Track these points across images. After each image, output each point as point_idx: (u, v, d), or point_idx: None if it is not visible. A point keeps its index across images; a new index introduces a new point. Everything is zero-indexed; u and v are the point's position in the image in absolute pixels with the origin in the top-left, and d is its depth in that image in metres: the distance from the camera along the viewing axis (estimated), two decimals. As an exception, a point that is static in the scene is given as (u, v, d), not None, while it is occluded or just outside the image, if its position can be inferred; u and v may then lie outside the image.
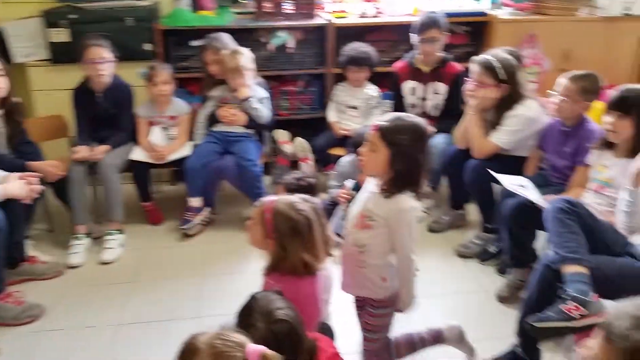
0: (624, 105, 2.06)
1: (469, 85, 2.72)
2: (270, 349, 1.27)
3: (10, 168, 2.59)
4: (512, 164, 2.69)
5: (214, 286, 2.57)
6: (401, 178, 1.71)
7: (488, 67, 2.59)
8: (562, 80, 2.42)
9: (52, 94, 3.32)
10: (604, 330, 0.86)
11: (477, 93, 2.66)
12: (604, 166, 2.22)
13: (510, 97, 2.62)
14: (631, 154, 2.04)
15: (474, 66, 2.67)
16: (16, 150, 2.73)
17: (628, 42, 3.63)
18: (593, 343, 0.88)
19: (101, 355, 2.15)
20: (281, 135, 3.54)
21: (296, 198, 1.79)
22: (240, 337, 1.21)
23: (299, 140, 3.50)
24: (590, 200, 2.23)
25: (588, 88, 2.36)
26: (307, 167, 3.43)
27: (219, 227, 3.12)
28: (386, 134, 1.69)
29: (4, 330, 2.27)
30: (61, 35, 3.31)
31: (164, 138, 3.11)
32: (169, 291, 2.53)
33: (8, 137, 2.71)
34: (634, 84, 2.16)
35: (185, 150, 3.08)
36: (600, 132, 2.28)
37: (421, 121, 1.77)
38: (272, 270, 1.73)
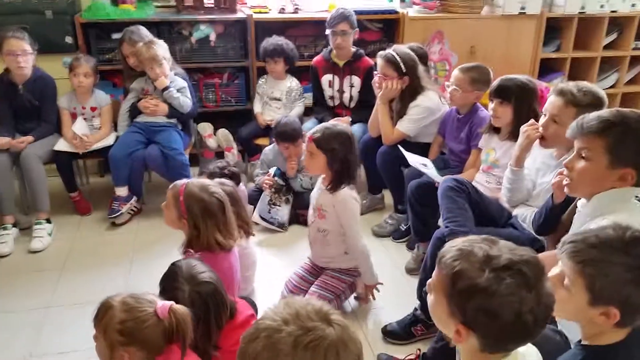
0: (503, 93, 2.35)
1: (375, 78, 2.96)
2: (196, 309, 1.45)
3: None
4: (417, 149, 2.94)
5: (142, 271, 2.66)
6: (339, 175, 2.17)
7: (391, 61, 2.84)
8: (455, 72, 2.70)
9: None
10: (438, 262, 1.08)
11: (382, 85, 2.90)
12: (492, 149, 2.51)
13: (412, 89, 2.88)
14: (513, 137, 2.32)
15: (379, 60, 2.91)
16: None
17: (525, 38, 3.99)
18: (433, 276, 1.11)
19: (27, 339, 2.21)
20: (205, 128, 3.65)
21: (209, 181, 1.97)
22: (150, 296, 1.38)
23: (222, 131, 3.64)
24: (480, 179, 2.52)
25: (476, 78, 2.64)
26: (231, 156, 3.57)
27: (148, 215, 3.20)
28: (320, 142, 2.14)
29: None
30: (-24, 27, 3.27)
31: (87, 129, 3.16)
32: (97, 277, 2.61)
33: None
34: (514, 74, 2.44)
35: (108, 140, 3.15)
36: (489, 118, 2.58)
37: (346, 127, 2.24)
38: (188, 247, 1.89)
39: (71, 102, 3.17)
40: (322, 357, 0.88)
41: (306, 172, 3.12)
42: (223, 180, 2.29)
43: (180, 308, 1.38)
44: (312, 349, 0.88)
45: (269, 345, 0.89)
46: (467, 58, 3.76)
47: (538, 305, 0.98)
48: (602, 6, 4.00)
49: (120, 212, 3.05)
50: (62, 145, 3.06)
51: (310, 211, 2.38)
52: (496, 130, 2.51)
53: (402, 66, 2.83)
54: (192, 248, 1.87)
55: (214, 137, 3.64)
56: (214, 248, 1.85)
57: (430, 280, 1.12)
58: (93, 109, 3.20)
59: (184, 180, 1.97)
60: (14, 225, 2.90)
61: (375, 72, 3.02)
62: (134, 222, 3.14)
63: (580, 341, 1.20)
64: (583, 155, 1.57)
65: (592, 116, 1.55)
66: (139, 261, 2.76)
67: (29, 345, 2.17)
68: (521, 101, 2.32)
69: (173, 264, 1.63)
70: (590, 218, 1.54)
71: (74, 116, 3.16)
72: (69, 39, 3.39)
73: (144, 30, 3.22)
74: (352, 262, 2.34)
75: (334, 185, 2.19)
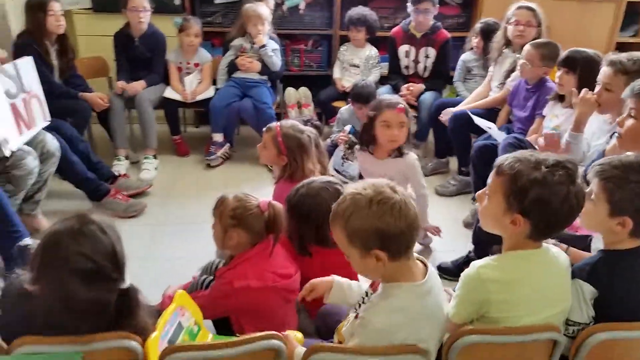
0: (570, 63, 2.55)
1: (517, 27, 3.13)
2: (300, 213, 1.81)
3: (65, 97, 3.11)
4: (488, 116, 3.18)
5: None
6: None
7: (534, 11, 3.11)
8: (526, 47, 2.91)
9: (93, 39, 3.82)
10: (495, 169, 1.38)
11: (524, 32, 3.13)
12: (554, 115, 2.72)
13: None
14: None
15: (522, 11, 3.13)
16: (68, 83, 3.24)
17: (602, 21, 4.04)
18: (483, 190, 1.41)
19: (141, 247, 2.66)
20: (290, 97, 4.01)
21: (295, 122, 2.33)
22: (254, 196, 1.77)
23: (303, 89, 4.02)
24: (541, 142, 2.75)
25: (546, 54, 2.83)
26: (307, 112, 3.94)
27: (237, 161, 3.64)
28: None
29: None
30: (102, -14, 3.78)
31: (195, 84, 3.62)
32: (196, 204, 3.04)
33: (61, 71, 3.21)
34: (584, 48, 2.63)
35: (209, 92, 3.59)
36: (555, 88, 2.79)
37: None
38: (283, 178, 2.26)
39: (178, 57, 3.63)
40: (389, 210, 1.22)
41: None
42: (308, 127, 2.65)
43: (277, 204, 1.76)
44: (382, 203, 1.22)
45: (352, 202, 1.25)
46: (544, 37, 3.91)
47: (577, 193, 1.28)
48: (686, -9, 4.00)
49: (216, 155, 3.49)
50: (170, 93, 3.54)
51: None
52: (561, 98, 2.71)
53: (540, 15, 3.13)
54: (291, 178, 2.21)
55: (296, 109, 4.01)
56: (307, 176, 2.21)
57: (479, 191, 1.42)
58: (196, 65, 3.65)
59: (275, 123, 2.33)
60: (126, 157, 3.40)
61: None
62: (225, 165, 3.58)
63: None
64: (632, 115, 1.80)
65: (642, 81, 1.78)
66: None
67: (143, 250, 2.63)
68: (586, 72, 2.50)
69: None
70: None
71: (179, 70, 3.63)
72: (177, 1, 3.84)
73: None
74: None
75: (397, 152, 2.48)
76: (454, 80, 3.76)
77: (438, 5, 3.63)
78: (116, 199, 2.87)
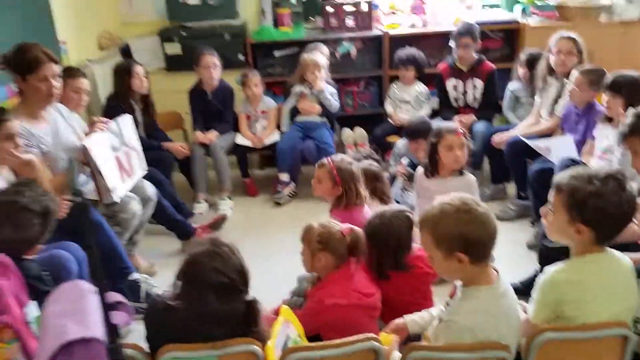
0: (615, 87, 2.71)
1: (559, 56, 3.32)
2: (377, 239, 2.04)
3: (150, 147, 3.49)
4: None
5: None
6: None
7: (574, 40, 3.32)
8: (574, 73, 3.09)
9: (167, 95, 4.21)
10: (555, 188, 1.57)
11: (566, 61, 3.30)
12: (605, 136, 2.87)
13: None
14: (625, 126, 2.69)
15: (563, 41, 3.32)
16: (151, 137, 3.63)
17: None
18: (547, 207, 1.61)
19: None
20: (348, 138, 4.27)
21: (343, 155, 2.60)
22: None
23: (359, 129, 4.28)
24: (595, 164, 2.89)
25: (594, 80, 3.01)
26: (365, 151, 4.18)
27: (301, 199, 3.89)
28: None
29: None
30: (174, 48, 4.22)
31: (259, 128, 3.96)
32: (269, 241, 3.32)
33: (145, 126, 3.61)
34: (626, 70, 2.79)
35: (274, 136, 3.91)
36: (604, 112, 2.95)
37: None
38: (337, 207, 2.51)
39: (246, 107, 4.00)
40: (474, 219, 1.43)
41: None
42: (371, 162, 2.91)
43: (357, 229, 1.99)
44: (468, 212, 1.44)
45: (440, 210, 1.47)
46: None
47: (629, 199, 1.47)
48: None
49: (283, 194, 3.78)
50: (241, 140, 3.89)
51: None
52: (609, 120, 2.86)
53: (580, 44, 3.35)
54: (347, 205, 2.48)
55: (355, 148, 4.27)
56: (360, 203, 2.47)
57: (543, 208, 1.61)
58: (263, 112, 4.00)
59: (326, 159, 2.60)
60: (205, 200, 3.74)
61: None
62: (291, 203, 3.86)
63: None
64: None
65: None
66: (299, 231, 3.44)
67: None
68: (631, 94, 2.66)
69: None
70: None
71: (248, 118, 3.98)
72: (241, 57, 4.23)
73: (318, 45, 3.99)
74: None
75: (461, 171, 2.74)
76: (503, 109, 3.96)
77: (480, 41, 3.86)
78: (202, 238, 3.16)
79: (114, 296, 1.05)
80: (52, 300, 1.04)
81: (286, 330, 1.68)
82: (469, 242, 1.43)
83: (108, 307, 1.02)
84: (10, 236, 1.74)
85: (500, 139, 3.50)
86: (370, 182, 2.67)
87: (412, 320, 1.77)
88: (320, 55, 3.80)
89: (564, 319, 1.53)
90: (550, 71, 3.44)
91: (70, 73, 2.96)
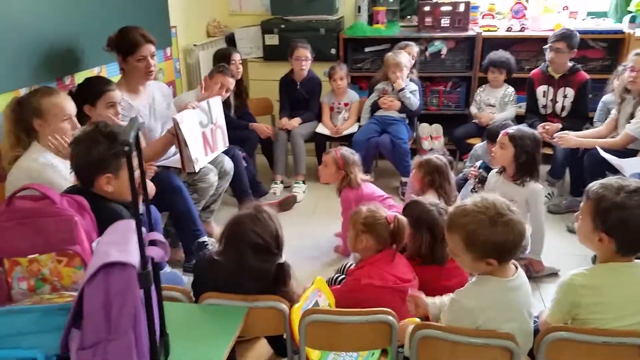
0: None
1: (631, 73, 3.20)
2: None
3: (239, 128, 3.80)
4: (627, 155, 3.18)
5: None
6: (522, 169, 2.69)
7: None
8: None
9: (262, 83, 4.55)
10: (585, 194, 1.57)
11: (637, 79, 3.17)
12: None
13: None
14: None
15: (637, 58, 3.18)
16: (241, 118, 3.94)
17: None
18: (578, 212, 1.62)
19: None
20: (424, 130, 4.34)
21: (347, 148, 3.11)
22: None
23: (435, 124, 4.33)
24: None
25: None
26: (438, 144, 4.21)
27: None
28: (513, 136, 2.67)
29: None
30: (273, 39, 4.52)
31: (341, 120, 4.15)
32: (332, 223, 3.43)
33: (236, 107, 3.92)
34: None
35: (353, 128, 4.08)
36: None
37: (537, 133, 2.78)
38: (345, 187, 2.95)
39: (331, 99, 4.20)
40: (510, 230, 1.48)
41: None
42: (438, 155, 2.99)
43: (402, 218, 2.10)
44: (504, 224, 1.48)
45: (475, 220, 1.50)
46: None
47: None
48: None
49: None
50: (321, 129, 4.10)
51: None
52: None
53: None
54: (349, 185, 2.94)
55: (430, 140, 4.32)
56: (357, 185, 2.96)
57: (576, 213, 1.63)
58: (346, 104, 4.18)
59: (333, 149, 3.04)
60: (281, 182, 4.00)
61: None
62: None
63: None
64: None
65: None
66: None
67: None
68: None
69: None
70: None
71: (331, 109, 4.18)
72: (333, 51, 4.43)
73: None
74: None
75: (518, 177, 2.69)
76: (594, 120, 3.80)
77: (576, 50, 3.73)
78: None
79: (156, 236, 1.28)
80: (107, 232, 1.30)
81: (316, 297, 1.84)
82: (501, 250, 1.49)
83: (149, 243, 1.26)
84: (84, 158, 1.89)
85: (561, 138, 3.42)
86: (430, 173, 2.78)
87: (433, 303, 1.84)
88: (403, 55, 3.88)
89: (578, 321, 1.55)
90: (626, 88, 3.29)
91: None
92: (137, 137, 1.22)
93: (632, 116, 3.23)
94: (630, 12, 4.22)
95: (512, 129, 2.75)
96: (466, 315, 1.51)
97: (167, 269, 2.48)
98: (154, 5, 3.61)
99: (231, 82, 3.45)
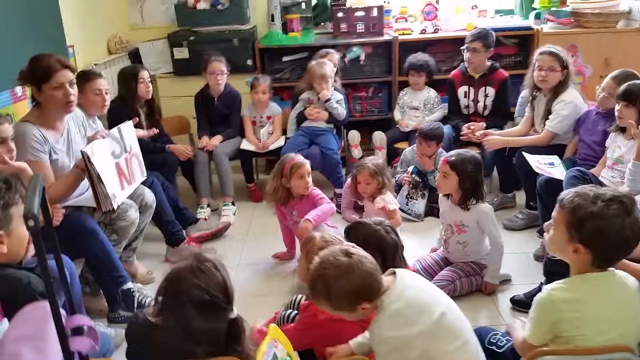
0: (629, 97, 2.61)
1: (540, 72, 3.25)
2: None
3: (154, 151, 3.47)
4: (551, 152, 3.24)
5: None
6: (468, 194, 2.61)
7: (554, 54, 3.19)
8: (607, 80, 2.96)
9: (175, 100, 4.23)
10: (558, 203, 1.49)
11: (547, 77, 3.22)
12: (617, 146, 2.77)
13: (564, 83, 3.21)
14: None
15: (541, 56, 3.23)
16: (156, 141, 3.60)
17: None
18: (549, 222, 1.53)
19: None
20: (353, 138, 4.21)
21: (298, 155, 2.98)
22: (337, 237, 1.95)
23: (379, 133, 4.16)
24: (606, 174, 2.79)
25: None
26: (380, 154, 4.10)
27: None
28: (454, 164, 2.58)
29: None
30: (182, 53, 4.21)
31: (267, 136, 3.93)
32: (272, 244, 3.26)
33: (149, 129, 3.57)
34: (640, 80, 2.69)
35: (280, 142, 3.87)
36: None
37: (476, 154, 2.70)
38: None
39: (252, 112, 3.97)
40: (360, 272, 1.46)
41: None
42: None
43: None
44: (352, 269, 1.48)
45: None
46: (601, 70, 3.95)
47: (633, 225, 1.39)
48: None
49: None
50: (246, 145, 3.86)
51: (445, 227, 2.76)
52: (622, 130, 2.76)
53: (564, 59, 3.19)
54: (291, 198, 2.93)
55: (359, 147, 4.20)
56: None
57: (546, 223, 1.54)
58: (268, 117, 3.97)
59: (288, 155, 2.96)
60: (207, 205, 3.71)
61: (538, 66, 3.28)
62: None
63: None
64: None
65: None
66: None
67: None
68: (646, 104, 2.57)
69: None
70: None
71: (253, 123, 3.95)
72: (249, 62, 4.20)
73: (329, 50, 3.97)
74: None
75: (463, 201, 2.63)
76: (515, 115, 3.87)
77: (492, 49, 3.77)
78: (190, 245, 3.14)
79: (80, 320, 1.01)
80: (13, 323, 1.01)
81: (273, 350, 1.63)
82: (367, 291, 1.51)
83: (73, 332, 0.99)
84: None
85: (485, 141, 3.45)
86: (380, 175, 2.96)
87: (357, 342, 1.74)
88: (327, 65, 3.75)
89: (562, 338, 1.45)
90: (536, 86, 3.37)
91: (86, 77, 2.95)
92: (43, 197, 0.95)
93: (548, 112, 3.29)
94: (534, 9, 4.36)
95: (452, 155, 2.66)
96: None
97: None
98: (47, 24, 3.21)
99: (103, 82, 3.03)
